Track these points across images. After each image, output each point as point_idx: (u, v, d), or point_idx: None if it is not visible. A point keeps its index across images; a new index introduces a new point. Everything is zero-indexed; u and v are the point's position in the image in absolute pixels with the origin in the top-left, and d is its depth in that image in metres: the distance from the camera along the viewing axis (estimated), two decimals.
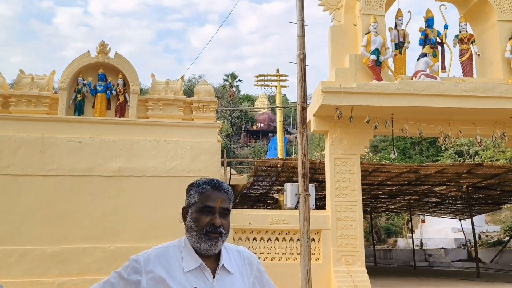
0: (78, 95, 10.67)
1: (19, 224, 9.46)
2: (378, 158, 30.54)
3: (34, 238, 9.46)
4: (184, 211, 1.73)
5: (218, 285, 1.64)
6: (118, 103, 10.79)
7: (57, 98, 10.56)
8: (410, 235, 24.52)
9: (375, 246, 26.26)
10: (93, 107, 10.77)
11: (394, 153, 10.67)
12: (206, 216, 1.65)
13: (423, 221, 31.27)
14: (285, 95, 51.51)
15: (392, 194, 18.61)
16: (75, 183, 9.85)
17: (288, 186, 7.80)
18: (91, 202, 9.81)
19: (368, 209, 24.08)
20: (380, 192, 18.22)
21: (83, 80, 10.70)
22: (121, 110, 10.75)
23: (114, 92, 10.79)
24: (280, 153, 24.09)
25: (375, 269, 19.28)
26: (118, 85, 10.78)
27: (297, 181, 8.02)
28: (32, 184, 9.70)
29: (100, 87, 10.76)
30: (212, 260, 1.68)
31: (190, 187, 1.75)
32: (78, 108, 10.65)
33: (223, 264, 1.67)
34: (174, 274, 1.62)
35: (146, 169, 10.04)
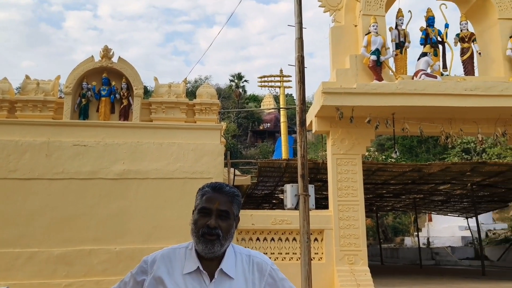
0: (83, 100, 10.85)
1: (26, 227, 9.64)
2: (384, 156, 30.48)
3: (41, 240, 9.63)
4: (192, 213, 1.75)
5: None
6: (122, 106, 10.95)
7: (62, 102, 10.75)
8: (417, 233, 24.47)
9: (382, 245, 26.23)
10: (97, 111, 10.94)
11: (396, 152, 10.72)
12: (204, 218, 1.66)
13: (430, 220, 31.16)
14: (291, 95, 51.48)
15: (397, 193, 18.61)
16: (81, 186, 10.01)
17: (288, 187, 7.88)
18: (97, 205, 9.97)
19: (374, 208, 24.07)
20: (384, 191, 18.23)
21: (87, 84, 10.88)
22: (125, 114, 10.91)
23: (118, 96, 10.96)
24: (284, 154, 24.14)
25: (381, 268, 19.30)
26: (121, 89, 10.94)
27: None
28: (39, 187, 9.88)
29: (104, 91, 10.93)
30: (216, 263, 1.67)
31: (198, 191, 1.78)
32: (83, 112, 10.83)
33: (221, 268, 1.66)
34: (174, 275, 1.64)
35: (150, 172, 10.18)
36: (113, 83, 10.99)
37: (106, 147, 10.20)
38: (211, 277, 1.65)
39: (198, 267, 1.65)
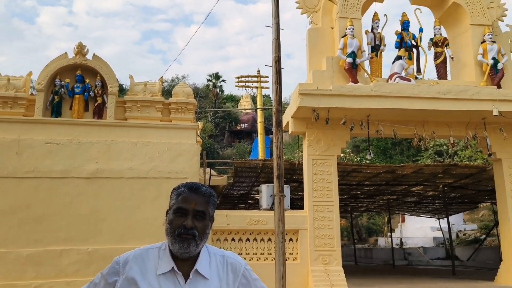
0: (56, 97, 10.62)
1: None
2: (359, 158, 30.85)
3: (10, 240, 9.38)
4: (166, 213, 1.74)
5: None
6: (96, 104, 10.76)
7: (34, 99, 10.50)
8: (390, 234, 24.85)
9: (356, 245, 26.53)
10: (70, 108, 10.72)
11: (370, 154, 10.87)
12: (180, 218, 1.65)
13: (403, 221, 31.72)
14: (268, 95, 51.59)
15: (371, 194, 18.86)
16: (52, 185, 9.79)
17: (263, 187, 7.90)
18: (69, 204, 9.76)
19: (349, 209, 24.34)
20: (359, 192, 18.45)
21: (61, 81, 10.65)
22: (99, 112, 10.72)
23: (92, 94, 10.76)
24: (261, 154, 24.20)
25: (355, 268, 19.53)
26: (96, 86, 10.75)
27: None
28: (8, 186, 9.62)
29: (78, 88, 10.72)
30: (190, 264, 1.66)
31: (172, 190, 1.77)
32: (56, 110, 10.59)
33: (196, 269, 1.66)
34: (147, 276, 1.62)
35: (124, 171, 10.03)
36: (87, 80, 10.79)
37: (79, 146, 10.01)
38: (186, 277, 1.64)
39: (173, 267, 1.64)
